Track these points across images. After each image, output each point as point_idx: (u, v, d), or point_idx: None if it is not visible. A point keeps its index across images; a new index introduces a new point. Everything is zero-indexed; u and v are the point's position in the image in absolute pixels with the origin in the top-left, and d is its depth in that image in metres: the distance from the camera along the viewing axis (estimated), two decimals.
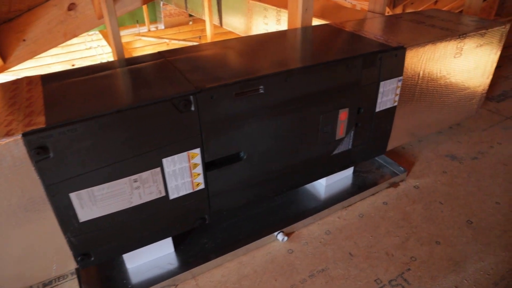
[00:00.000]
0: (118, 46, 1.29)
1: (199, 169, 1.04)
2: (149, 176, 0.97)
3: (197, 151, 1.00)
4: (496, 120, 1.92)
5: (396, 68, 1.29)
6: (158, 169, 0.97)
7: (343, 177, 1.47)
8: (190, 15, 4.23)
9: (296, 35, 1.41)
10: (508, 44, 2.96)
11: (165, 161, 0.97)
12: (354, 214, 1.30)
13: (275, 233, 1.21)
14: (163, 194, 1.02)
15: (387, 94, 1.31)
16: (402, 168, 1.49)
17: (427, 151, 1.67)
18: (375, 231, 1.23)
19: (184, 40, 3.66)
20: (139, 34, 3.86)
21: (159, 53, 1.21)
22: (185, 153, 0.99)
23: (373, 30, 1.44)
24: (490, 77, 1.69)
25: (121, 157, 0.90)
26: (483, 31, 1.50)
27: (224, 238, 1.22)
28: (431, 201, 1.37)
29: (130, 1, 1.50)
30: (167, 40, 3.64)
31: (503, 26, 1.56)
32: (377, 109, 1.31)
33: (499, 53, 1.64)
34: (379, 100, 1.30)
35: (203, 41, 3.61)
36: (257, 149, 1.10)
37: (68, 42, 3.97)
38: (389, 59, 1.24)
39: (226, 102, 0.98)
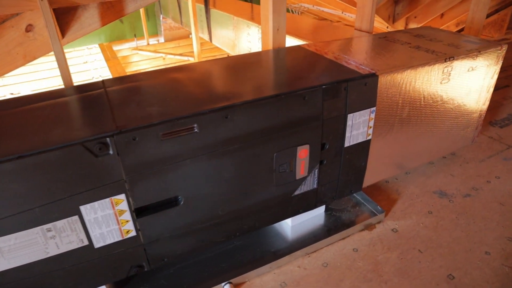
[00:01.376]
0: (64, 73, 1.20)
1: (127, 216, 0.92)
2: (66, 225, 0.86)
3: (122, 197, 0.89)
4: (497, 149, 1.73)
5: (367, 98, 1.14)
6: (76, 217, 0.86)
7: (313, 217, 1.32)
8: None
9: (261, 60, 1.29)
10: None
11: (84, 208, 0.86)
12: (318, 263, 1.15)
13: (222, 284, 1.08)
14: (86, 243, 0.90)
15: (358, 127, 1.16)
16: (380, 208, 1.33)
17: (414, 186, 1.50)
18: (338, 285, 1.07)
19: (180, 54, 3.59)
20: (136, 48, 3.83)
21: (102, 81, 1.11)
22: (107, 200, 0.88)
23: (349, 53, 1.30)
24: (487, 103, 1.52)
25: (29, 206, 0.80)
26: (475, 53, 1.33)
27: (168, 287, 1.10)
28: (408, 248, 1.20)
29: (88, 23, 1.42)
30: (163, 55, 3.57)
31: (499, 48, 1.39)
32: (346, 144, 1.17)
33: (496, 76, 1.46)
34: (347, 134, 1.15)
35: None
36: (198, 192, 0.97)
37: (67, 56, 3.98)
38: (358, 89, 1.10)
39: (153, 143, 0.86)
